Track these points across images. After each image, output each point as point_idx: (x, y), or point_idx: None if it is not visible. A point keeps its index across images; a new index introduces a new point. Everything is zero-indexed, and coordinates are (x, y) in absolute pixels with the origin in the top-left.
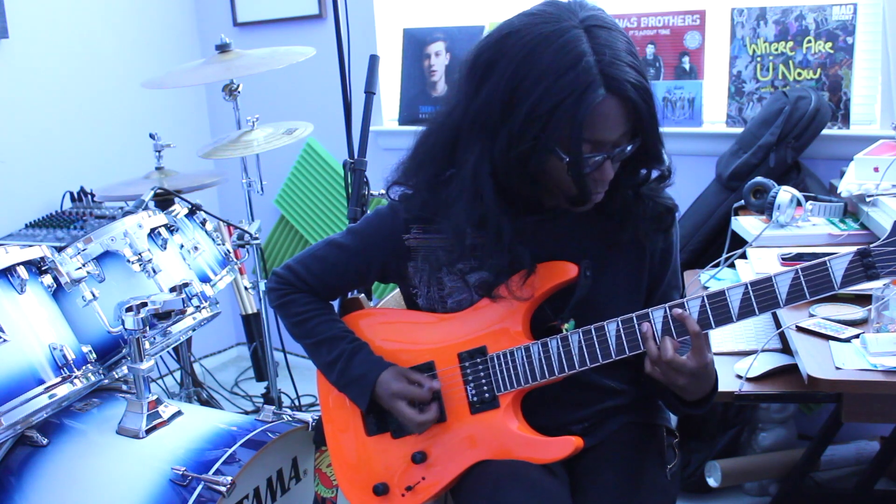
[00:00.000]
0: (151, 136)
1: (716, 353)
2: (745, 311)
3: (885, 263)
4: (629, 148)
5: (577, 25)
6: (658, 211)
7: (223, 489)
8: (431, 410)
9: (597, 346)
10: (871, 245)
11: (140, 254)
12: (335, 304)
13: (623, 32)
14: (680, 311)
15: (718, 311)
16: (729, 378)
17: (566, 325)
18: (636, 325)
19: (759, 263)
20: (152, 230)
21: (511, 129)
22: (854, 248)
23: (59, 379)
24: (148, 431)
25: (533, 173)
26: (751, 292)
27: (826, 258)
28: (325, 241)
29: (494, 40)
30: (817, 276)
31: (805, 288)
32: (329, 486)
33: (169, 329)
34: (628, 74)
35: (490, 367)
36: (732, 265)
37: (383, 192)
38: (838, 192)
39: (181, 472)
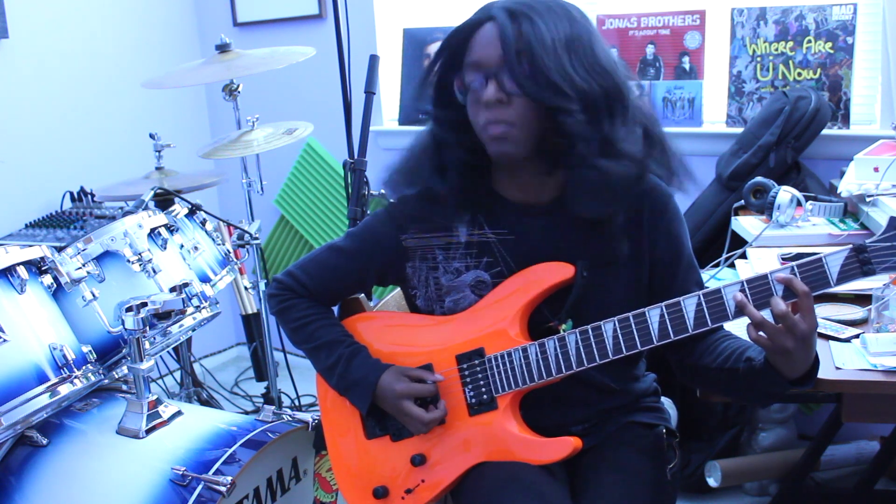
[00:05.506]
0: (151, 136)
1: None
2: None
3: (881, 259)
4: (527, 77)
5: None
6: (605, 181)
7: (223, 489)
8: (440, 408)
9: (594, 346)
10: (867, 241)
11: (140, 254)
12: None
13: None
14: (784, 275)
15: (715, 308)
16: None
17: (564, 326)
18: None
19: (759, 263)
20: (152, 230)
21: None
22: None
23: (59, 379)
24: (148, 431)
25: (454, 116)
26: (747, 290)
27: (822, 255)
28: (325, 246)
29: None
30: (813, 272)
31: None
32: (329, 490)
33: (169, 329)
34: (516, 6)
35: (488, 368)
36: (732, 265)
37: (382, 192)
38: (838, 192)
39: (181, 472)
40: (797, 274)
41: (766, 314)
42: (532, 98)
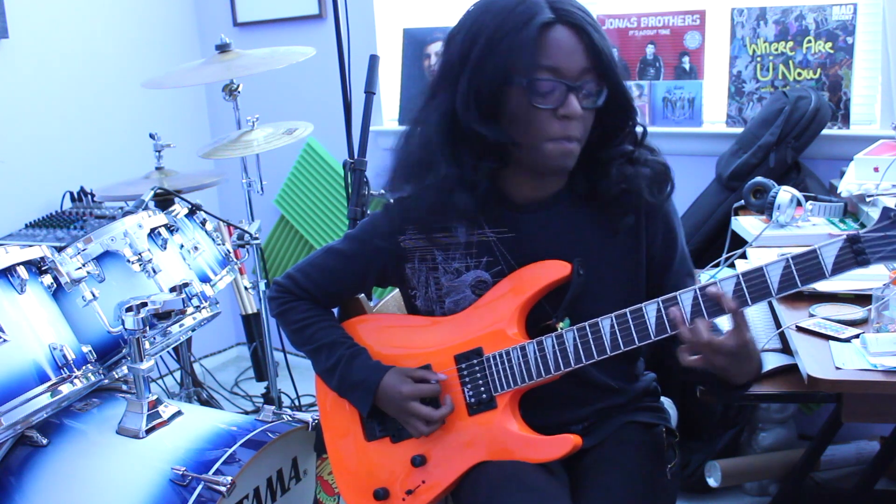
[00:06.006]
0: (151, 136)
1: None
2: (738, 303)
3: (875, 249)
4: (601, 99)
5: None
6: (656, 172)
7: (223, 489)
8: (447, 404)
9: (591, 342)
10: (861, 231)
11: (140, 254)
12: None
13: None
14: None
15: (711, 302)
16: None
17: (561, 324)
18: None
19: (759, 263)
20: (152, 230)
21: (469, 68)
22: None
23: (59, 379)
24: (148, 431)
25: (493, 112)
26: (742, 283)
27: (816, 246)
28: (324, 248)
29: (461, 16)
30: (808, 263)
31: (796, 276)
32: (331, 493)
33: (169, 329)
34: (577, 8)
35: (486, 368)
36: (732, 265)
37: (383, 192)
38: (838, 192)
39: (181, 472)
40: (792, 266)
41: (723, 320)
42: (624, 112)
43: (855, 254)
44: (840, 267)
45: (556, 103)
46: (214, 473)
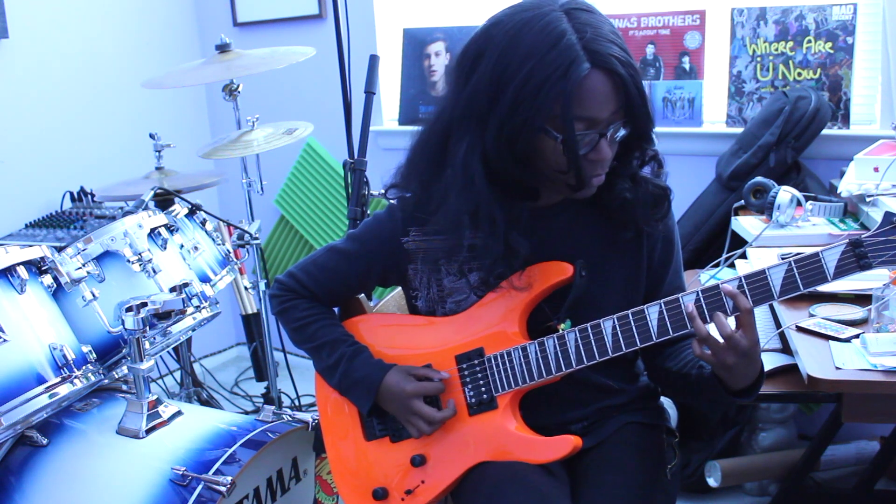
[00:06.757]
0: (151, 136)
1: None
2: (750, 302)
3: (878, 253)
4: (622, 131)
5: (557, 9)
6: (656, 195)
7: (223, 489)
8: (449, 407)
9: (593, 343)
10: (863, 235)
11: (140, 254)
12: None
13: (605, 17)
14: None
15: (713, 305)
16: None
17: (562, 325)
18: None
19: (759, 263)
20: (152, 230)
21: (500, 113)
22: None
23: (59, 379)
24: (148, 431)
25: (526, 157)
26: (745, 286)
27: (819, 249)
28: (326, 247)
29: (479, 33)
30: (810, 267)
31: (798, 280)
32: (330, 493)
33: (169, 329)
34: (612, 49)
35: (488, 368)
36: (732, 265)
37: (382, 192)
38: (838, 192)
39: (181, 472)
40: (795, 269)
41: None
42: (641, 136)
43: (857, 258)
44: (842, 271)
45: (586, 149)
46: (214, 473)
